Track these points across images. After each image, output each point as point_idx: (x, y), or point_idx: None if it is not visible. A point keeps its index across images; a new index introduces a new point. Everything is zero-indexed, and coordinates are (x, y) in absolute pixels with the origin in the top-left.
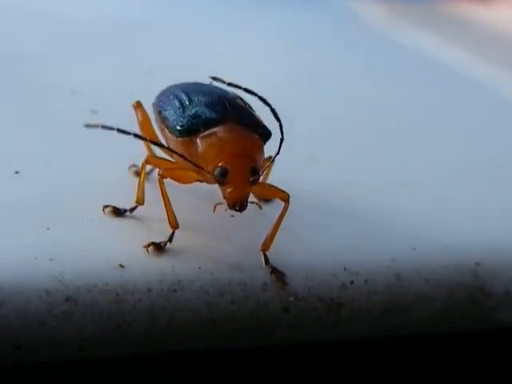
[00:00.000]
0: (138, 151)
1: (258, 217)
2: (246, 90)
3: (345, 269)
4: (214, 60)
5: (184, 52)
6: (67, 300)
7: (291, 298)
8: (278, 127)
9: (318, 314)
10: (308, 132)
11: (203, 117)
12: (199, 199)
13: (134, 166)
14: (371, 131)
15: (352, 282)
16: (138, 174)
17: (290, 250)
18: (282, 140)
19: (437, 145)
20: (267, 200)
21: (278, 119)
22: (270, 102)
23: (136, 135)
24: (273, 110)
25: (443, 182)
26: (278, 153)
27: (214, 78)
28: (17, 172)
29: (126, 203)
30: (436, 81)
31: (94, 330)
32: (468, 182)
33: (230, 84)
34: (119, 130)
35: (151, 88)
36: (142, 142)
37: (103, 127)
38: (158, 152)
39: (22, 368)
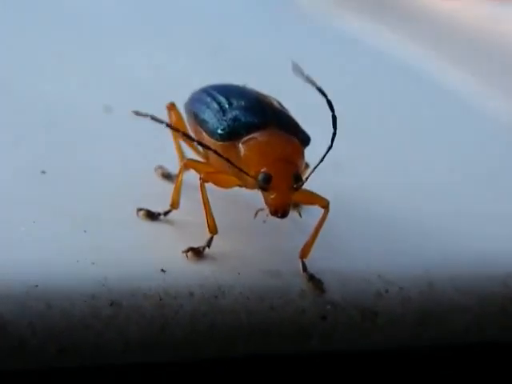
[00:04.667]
0: (164, 154)
1: (292, 223)
2: (320, 90)
3: (379, 276)
4: None
5: None
6: (111, 304)
7: (328, 306)
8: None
9: (354, 322)
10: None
11: (245, 120)
12: (235, 205)
13: (161, 167)
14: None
15: (387, 291)
16: (165, 176)
17: (325, 257)
18: (334, 134)
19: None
20: (296, 205)
21: (335, 122)
22: None
23: (185, 134)
24: (334, 117)
25: (474, 187)
26: (330, 147)
27: (297, 67)
28: (43, 172)
29: (156, 206)
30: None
31: (138, 334)
32: (501, 189)
33: (307, 78)
34: (168, 125)
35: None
36: (174, 146)
37: (153, 118)
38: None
39: (65, 371)
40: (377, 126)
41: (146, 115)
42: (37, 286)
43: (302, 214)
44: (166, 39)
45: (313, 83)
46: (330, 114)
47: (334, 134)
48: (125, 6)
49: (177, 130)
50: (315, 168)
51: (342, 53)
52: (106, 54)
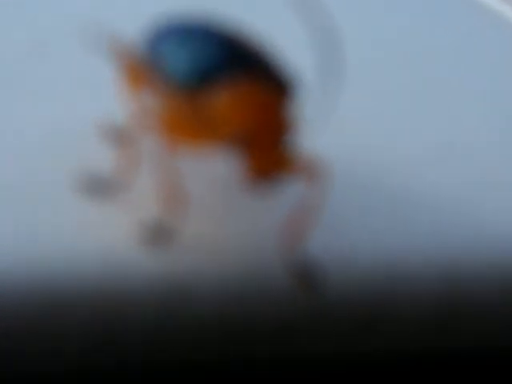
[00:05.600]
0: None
1: (278, 200)
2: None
3: (388, 267)
4: None
5: None
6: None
7: (323, 303)
8: None
9: (356, 325)
10: None
11: (213, 64)
12: (204, 175)
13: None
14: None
15: (398, 285)
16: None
17: (319, 243)
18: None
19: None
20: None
21: None
22: None
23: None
24: None
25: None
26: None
27: None
28: None
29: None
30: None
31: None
32: None
33: None
34: None
35: None
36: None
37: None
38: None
39: None
40: (398, 73)
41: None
42: None
43: (290, 185)
44: None
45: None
46: None
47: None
48: None
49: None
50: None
51: None
52: None
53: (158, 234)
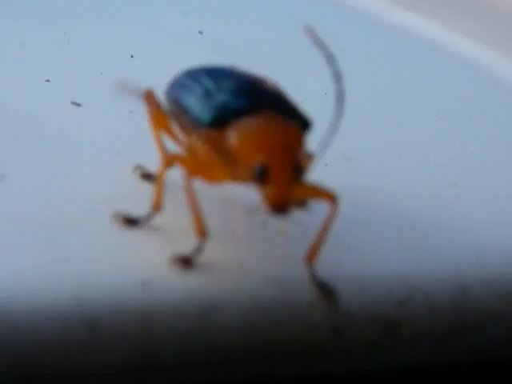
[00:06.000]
0: (143, 151)
1: (296, 223)
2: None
3: (401, 281)
4: None
5: None
6: (87, 326)
7: (342, 319)
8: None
9: (374, 337)
10: None
11: (235, 104)
12: (227, 204)
13: (140, 167)
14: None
15: (411, 298)
16: (146, 176)
17: (337, 262)
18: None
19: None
20: (300, 202)
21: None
22: None
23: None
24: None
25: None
26: (335, 127)
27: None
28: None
29: (136, 211)
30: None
31: (119, 359)
32: None
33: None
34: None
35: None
36: (155, 139)
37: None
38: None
39: None
40: (394, 112)
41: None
42: None
43: (307, 211)
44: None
45: (324, 48)
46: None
47: (341, 113)
48: None
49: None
50: (321, 156)
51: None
52: (71, 44)
53: (188, 259)
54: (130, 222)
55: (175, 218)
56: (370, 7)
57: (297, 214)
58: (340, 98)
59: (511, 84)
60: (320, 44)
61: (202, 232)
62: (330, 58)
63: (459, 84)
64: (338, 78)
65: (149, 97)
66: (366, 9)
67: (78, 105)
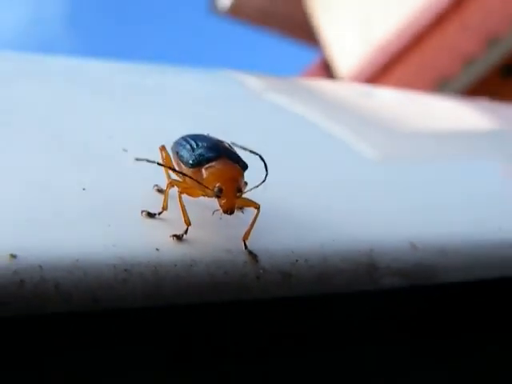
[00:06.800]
0: (158, 178)
1: (237, 218)
2: (254, 153)
3: (292, 252)
4: None
5: None
6: (125, 270)
7: (261, 271)
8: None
9: (277, 281)
10: None
11: (206, 155)
12: (201, 207)
13: (156, 185)
14: None
15: (297, 261)
16: (160, 191)
17: (258, 239)
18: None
19: None
20: (240, 207)
21: (265, 166)
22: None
23: (170, 167)
24: (263, 161)
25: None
26: (263, 181)
27: (233, 144)
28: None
29: (154, 209)
30: None
31: (143, 288)
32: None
33: (244, 148)
34: (158, 163)
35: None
36: (164, 172)
37: (148, 161)
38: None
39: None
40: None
41: (143, 159)
42: (77, 260)
43: (243, 212)
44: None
45: (251, 151)
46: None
47: (266, 175)
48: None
49: (164, 165)
50: (253, 188)
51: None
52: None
53: (179, 236)
54: (150, 215)
55: (174, 214)
56: None
57: (238, 213)
58: (266, 168)
59: None
60: (248, 150)
61: (187, 222)
62: (258, 156)
63: None
64: (264, 162)
65: (162, 150)
66: None
67: None
